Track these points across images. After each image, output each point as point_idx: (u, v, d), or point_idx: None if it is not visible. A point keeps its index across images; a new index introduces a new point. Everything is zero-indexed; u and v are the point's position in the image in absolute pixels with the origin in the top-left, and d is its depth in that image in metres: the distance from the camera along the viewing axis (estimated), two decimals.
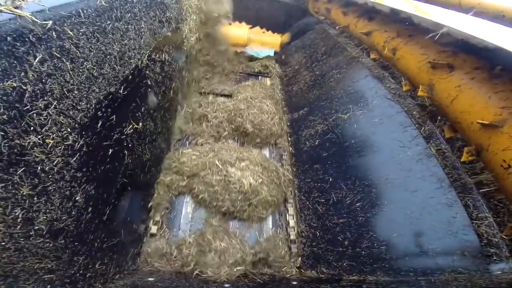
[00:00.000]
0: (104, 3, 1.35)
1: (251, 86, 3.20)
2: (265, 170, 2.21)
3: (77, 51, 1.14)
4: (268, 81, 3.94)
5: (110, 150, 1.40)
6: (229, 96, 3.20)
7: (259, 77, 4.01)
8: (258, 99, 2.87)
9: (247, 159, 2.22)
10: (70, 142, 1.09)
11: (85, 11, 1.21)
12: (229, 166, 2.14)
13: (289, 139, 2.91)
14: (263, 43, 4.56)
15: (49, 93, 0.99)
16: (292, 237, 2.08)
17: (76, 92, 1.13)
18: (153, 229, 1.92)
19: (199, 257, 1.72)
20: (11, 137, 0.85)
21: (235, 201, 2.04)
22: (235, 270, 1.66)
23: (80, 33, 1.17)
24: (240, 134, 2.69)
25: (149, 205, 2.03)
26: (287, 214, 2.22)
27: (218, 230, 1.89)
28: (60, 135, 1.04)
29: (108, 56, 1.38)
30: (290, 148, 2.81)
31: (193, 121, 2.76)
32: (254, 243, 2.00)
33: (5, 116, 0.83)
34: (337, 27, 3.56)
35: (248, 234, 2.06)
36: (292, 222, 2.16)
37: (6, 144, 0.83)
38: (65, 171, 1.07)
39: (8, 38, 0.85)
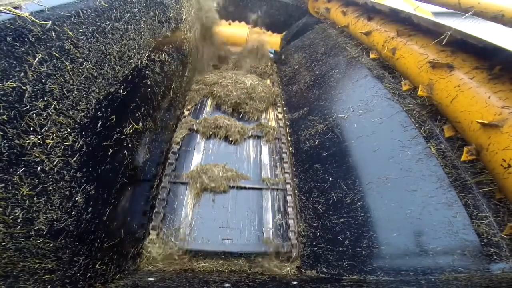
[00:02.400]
0: (103, 3, 1.35)
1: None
2: (261, 81, 3.39)
3: (77, 51, 1.14)
4: (268, 81, 3.94)
5: (110, 150, 1.40)
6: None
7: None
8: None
9: (250, 76, 3.38)
10: (70, 142, 1.08)
11: (84, 11, 1.21)
12: (238, 76, 3.33)
13: (289, 139, 2.91)
14: (263, 42, 4.55)
15: (48, 93, 0.99)
16: (293, 239, 2.08)
17: (75, 92, 1.13)
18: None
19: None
20: (11, 137, 0.85)
21: (240, 95, 3.06)
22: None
23: (80, 33, 1.16)
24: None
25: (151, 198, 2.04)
26: (287, 215, 2.22)
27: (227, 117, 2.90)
28: (60, 135, 1.04)
29: (108, 56, 1.38)
30: (290, 148, 2.81)
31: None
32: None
33: (5, 116, 0.82)
34: (337, 27, 3.56)
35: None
36: (292, 222, 2.17)
37: (6, 144, 0.83)
38: (65, 171, 1.07)
39: (8, 38, 0.84)
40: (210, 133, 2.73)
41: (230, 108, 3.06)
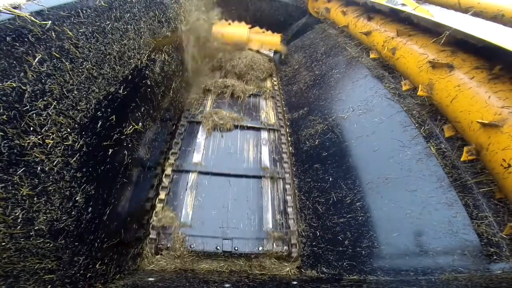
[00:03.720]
0: (103, 3, 1.35)
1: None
2: (262, 56, 4.19)
3: (77, 51, 1.14)
4: (268, 81, 3.94)
5: (110, 150, 1.40)
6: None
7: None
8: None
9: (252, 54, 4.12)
10: (70, 142, 1.08)
11: (84, 11, 1.21)
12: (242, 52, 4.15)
13: (289, 139, 2.91)
14: (263, 42, 4.55)
15: (48, 93, 0.99)
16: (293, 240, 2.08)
17: (75, 92, 1.13)
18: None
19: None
20: (11, 137, 0.85)
21: (244, 66, 3.75)
22: None
23: (80, 33, 1.16)
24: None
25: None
26: (287, 215, 2.22)
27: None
28: (60, 135, 1.04)
29: (108, 56, 1.38)
30: (290, 148, 2.81)
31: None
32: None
33: (4, 116, 0.82)
34: (336, 27, 3.56)
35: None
36: (292, 223, 2.17)
37: (6, 145, 0.83)
38: (65, 171, 1.07)
39: (8, 38, 0.84)
40: (219, 91, 3.34)
41: (235, 76, 3.74)
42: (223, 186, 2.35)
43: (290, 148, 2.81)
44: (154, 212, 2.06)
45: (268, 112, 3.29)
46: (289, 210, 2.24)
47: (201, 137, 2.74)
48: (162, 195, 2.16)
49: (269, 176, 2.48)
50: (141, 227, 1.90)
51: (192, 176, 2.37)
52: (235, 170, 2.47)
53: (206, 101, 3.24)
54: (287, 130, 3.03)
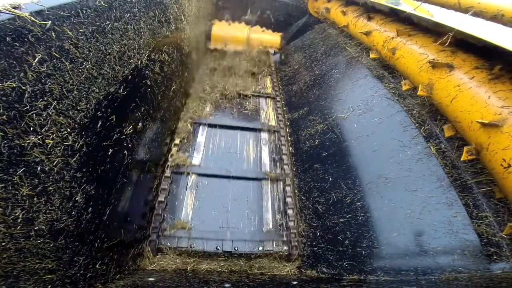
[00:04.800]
0: (103, 3, 1.35)
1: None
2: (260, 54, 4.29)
3: (77, 51, 1.14)
4: (268, 81, 3.94)
5: (110, 150, 1.40)
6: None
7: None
8: None
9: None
10: (70, 142, 1.08)
11: (84, 11, 1.21)
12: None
13: (289, 138, 2.91)
14: (263, 42, 4.55)
15: (48, 94, 0.99)
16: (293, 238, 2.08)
17: (75, 92, 1.13)
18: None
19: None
20: (11, 137, 0.85)
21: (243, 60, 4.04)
22: None
23: (79, 33, 1.16)
24: None
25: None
26: (287, 215, 2.22)
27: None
28: (60, 135, 1.04)
29: (108, 56, 1.38)
30: (290, 148, 2.81)
31: None
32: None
33: (4, 116, 0.82)
34: (336, 27, 3.56)
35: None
36: (292, 223, 2.17)
37: (6, 145, 0.83)
38: (65, 171, 1.07)
39: (7, 38, 0.84)
40: (219, 89, 3.43)
41: (234, 73, 3.92)
42: (223, 186, 2.35)
43: (290, 148, 2.81)
44: (154, 213, 2.06)
45: (268, 112, 3.29)
46: (289, 210, 2.24)
47: (201, 137, 2.74)
48: (161, 197, 2.15)
49: (269, 176, 2.48)
50: (141, 227, 1.90)
51: (192, 177, 2.37)
52: (235, 170, 2.47)
53: (206, 101, 3.25)
54: (287, 130, 3.03)
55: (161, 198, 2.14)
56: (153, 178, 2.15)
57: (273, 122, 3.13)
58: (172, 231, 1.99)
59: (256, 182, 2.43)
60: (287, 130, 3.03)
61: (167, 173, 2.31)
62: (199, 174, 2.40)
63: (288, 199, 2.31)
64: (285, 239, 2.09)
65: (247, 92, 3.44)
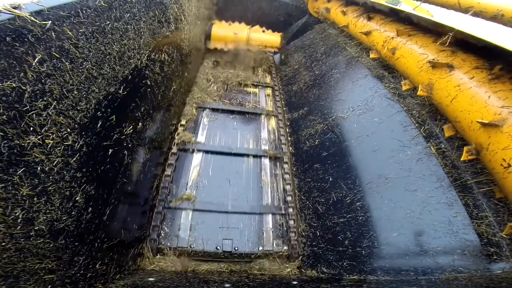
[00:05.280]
0: (103, 3, 1.35)
1: None
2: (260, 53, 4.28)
3: (76, 51, 1.14)
4: (268, 81, 3.94)
5: (110, 150, 1.40)
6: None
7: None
8: None
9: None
10: (70, 142, 1.08)
11: (84, 11, 1.21)
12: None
13: (289, 138, 2.92)
14: (263, 42, 4.55)
15: (48, 94, 0.99)
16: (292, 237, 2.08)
17: (75, 92, 1.13)
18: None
19: None
20: (11, 137, 0.85)
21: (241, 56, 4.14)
22: None
23: (79, 33, 1.16)
24: None
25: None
26: (287, 215, 2.22)
27: None
28: (59, 135, 1.04)
29: (108, 56, 1.38)
30: (290, 148, 2.81)
31: None
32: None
33: (4, 116, 0.82)
34: (336, 27, 3.56)
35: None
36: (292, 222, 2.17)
37: (6, 145, 0.83)
38: (65, 171, 1.07)
39: (7, 38, 0.84)
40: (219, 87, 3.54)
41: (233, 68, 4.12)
42: (223, 186, 2.35)
43: (290, 148, 2.81)
44: (154, 212, 2.06)
45: (268, 112, 3.29)
46: (289, 210, 2.24)
47: (201, 136, 2.74)
48: (168, 171, 2.26)
49: (269, 176, 2.49)
50: (142, 227, 1.90)
51: (192, 176, 2.37)
52: (235, 170, 2.47)
53: (206, 100, 3.26)
54: (287, 130, 3.03)
55: (167, 172, 2.27)
56: (153, 177, 2.15)
57: (273, 122, 3.13)
58: (178, 202, 2.13)
59: (256, 182, 2.43)
60: (287, 130, 3.03)
61: (168, 172, 2.31)
62: (200, 172, 2.42)
63: (288, 198, 2.31)
64: (285, 239, 2.09)
65: (247, 82, 3.65)
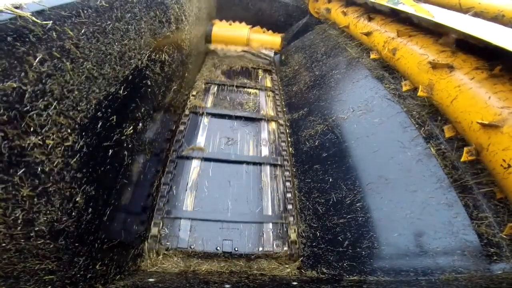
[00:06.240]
0: (104, 3, 1.35)
1: None
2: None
3: (77, 51, 1.13)
4: (268, 81, 3.94)
5: (110, 151, 1.39)
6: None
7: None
8: None
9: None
10: (70, 143, 1.08)
11: (85, 11, 1.20)
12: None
13: (289, 139, 2.92)
14: (263, 42, 4.55)
15: (49, 94, 0.98)
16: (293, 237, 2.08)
17: (76, 92, 1.13)
18: None
19: None
20: (11, 138, 0.85)
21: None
22: None
23: (80, 33, 1.16)
24: None
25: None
26: (287, 214, 2.22)
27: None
28: (60, 135, 1.04)
29: (108, 56, 1.37)
30: (290, 149, 2.81)
31: None
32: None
33: (5, 116, 0.82)
34: (337, 28, 3.56)
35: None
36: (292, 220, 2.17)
37: (7, 145, 0.83)
38: (65, 172, 1.06)
39: (8, 38, 0.84)
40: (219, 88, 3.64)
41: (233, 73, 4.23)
42: (223, 186, 2.35)
43: (290, 148, 2.81)
44: (154, 211, 2.06)
45: (268, 112, 3.29)
46: (289, 209, 2.24)
47: (201, 137, 2.74)
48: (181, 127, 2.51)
49: (269, 177, 2.49)
50: (142, 228, 1.90)
51: (192, 176, 2.37)
52: (235, 170, 2.47)
53: (206, 100, 3.27)
54: (287, 130, 3.03)
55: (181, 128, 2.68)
56: (153, 177, 2.15)
57: (273, 122, 3.13)
58: (190, 151, 2.52)
59: (256, 183, 2.43)
60: (287, 130, 3.03)
61: (168, 170, 2.31)
62: (200, 173, 2.43)
63: (288, 195, 2.32)
64: (285, 239, 2.09)
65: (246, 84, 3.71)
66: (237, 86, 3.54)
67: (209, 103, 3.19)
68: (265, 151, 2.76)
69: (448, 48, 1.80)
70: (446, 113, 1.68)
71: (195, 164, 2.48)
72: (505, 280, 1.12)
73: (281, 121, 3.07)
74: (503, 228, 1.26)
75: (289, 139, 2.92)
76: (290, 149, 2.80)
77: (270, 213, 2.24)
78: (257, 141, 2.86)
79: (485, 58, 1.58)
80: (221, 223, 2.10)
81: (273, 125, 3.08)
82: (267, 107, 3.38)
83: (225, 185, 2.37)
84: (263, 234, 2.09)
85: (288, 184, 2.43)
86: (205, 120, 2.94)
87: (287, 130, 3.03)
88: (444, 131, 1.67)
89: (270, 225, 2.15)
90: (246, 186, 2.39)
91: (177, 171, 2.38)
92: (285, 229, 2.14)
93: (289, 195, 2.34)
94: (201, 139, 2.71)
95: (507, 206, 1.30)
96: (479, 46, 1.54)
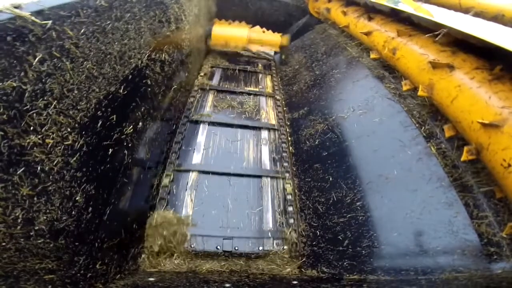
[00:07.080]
0: (103, 3, 1.35)
1: None
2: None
3: (77, 51, 1.13)
4: (268, 81, 3.94)
5: (110, 150, 1.39)
6: None
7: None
8: None
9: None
10: (70, 142, 1.08)
11: (84, 11, 1.20)
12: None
13: (289, 138, 2.92)
14: (263, 42, 4.55)
15: (49, 93, 0.98)
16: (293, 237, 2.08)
17: (76, 91, 1.13)
18: None
19: None
20: (11, 137, 0.85)
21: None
22: None
23: (80, 33, 1.16)
24: None
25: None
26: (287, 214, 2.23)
27: None
28: (60, 135, 1.04)
29: (108, 56, 1.37)
30: (290, 148, 2.81)
31: None
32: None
33: (5, 116, 0.82)
34: (337, 27, 3.56)
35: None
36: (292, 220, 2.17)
37: (6, 144, 0.83)
38: (65, 171, 1.07)
39: (8, 38, 0.84)
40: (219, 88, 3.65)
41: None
42: (223, 185, 2.35)
43: (290, 148, 2.81)
44: (154, 211, 2.05)
45: (268, 112, 3.29)
46: (289, 209, 2.24)
47: (201, 136, 2.74)
48: (162, 195, 2.16)
49: (269, 175, 2.49)
50: (142, 227, 1.90)
51: (192, 176, 2.37)
52: (235, 170, 2.47)
53: (206, 100, 3.27)
54: (287, 130, 3.03)
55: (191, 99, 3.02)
56: (153, 177, 2.14)
57: (273, 122, 3.13)
58: (199, 115, 2.88)
59: (256, 182, 2.43)
60: (287, 129, 3.03)
61: (168, 171, 2.31)
62: (200, 172, 2.43)
63: (288, 197, 2.31)
64: (285, 238, 2.09)
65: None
66: (237, 87, 3.58)
67: (208, 107, 3.17)
68: (265, 155, 2.71)
69: (448, 47, 1.80)
70: (446, 113, 1.68)
71: (193, 176, 2.42)
72: (505, 280, 1.12)
73: (282, 130, 3.05)
74: (503, 228, 1.26)
75: (289, 138, 2.92)
76: (291, 148, 2.81)
77: (270, 211, 2.24)
78: (257, 141, 2.83)
79: (485, 58, 1.58)
80: (222, 221, 2.11)
81: (272, 132, 3.02)
82: (267, 106, 3.37)
83: (225, 184, 2.37)
84: (263, 233, 2.09)
85: (288, 186, 2.42)
86: (205, 128, 2.88)
87: (287, 130, 3.03)
88: (444, 131, 1.67)
89: (270, 224, 2.15)
90: (246, 185, 2.39)
91: (177, 175, 2.38)
92: (285, 228, 2.14)
93: (289, 196, 2.34)
94: (199, 150, 2.61)
95: (507, 205, 1.30)
96: (479, 46, 1.54)
